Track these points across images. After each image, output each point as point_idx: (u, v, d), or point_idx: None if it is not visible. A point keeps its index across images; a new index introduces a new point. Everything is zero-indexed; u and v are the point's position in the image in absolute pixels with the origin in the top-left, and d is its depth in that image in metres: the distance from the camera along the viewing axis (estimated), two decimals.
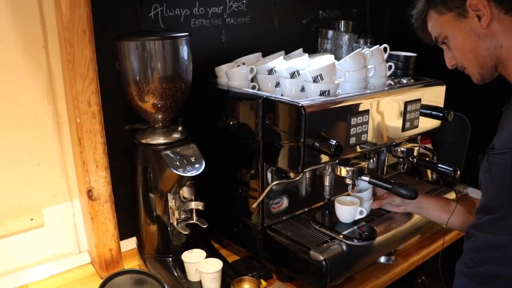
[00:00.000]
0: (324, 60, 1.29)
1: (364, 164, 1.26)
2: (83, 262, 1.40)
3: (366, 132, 1.23)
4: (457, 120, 1.74)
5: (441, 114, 1.42)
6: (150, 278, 1.18)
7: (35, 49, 1.21)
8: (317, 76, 1.19)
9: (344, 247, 1.19)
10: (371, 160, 1.43)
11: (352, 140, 1.20)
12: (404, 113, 1.36)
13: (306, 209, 1.38)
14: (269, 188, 1.21)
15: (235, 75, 1.34)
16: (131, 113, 1.28)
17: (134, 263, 1.39)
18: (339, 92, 1.24)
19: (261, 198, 1.22)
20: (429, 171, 1.70)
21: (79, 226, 1.40)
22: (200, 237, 1.38)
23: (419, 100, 1.39)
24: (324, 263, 1.13)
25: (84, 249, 1.43)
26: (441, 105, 1.48)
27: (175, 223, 1.25)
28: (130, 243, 1.44)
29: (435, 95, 1.46)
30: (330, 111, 1.14)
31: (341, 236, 1.21)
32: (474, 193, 1.76)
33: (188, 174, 1.17)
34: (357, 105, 1.19)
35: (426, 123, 1.46)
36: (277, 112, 1.14)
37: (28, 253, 1.32)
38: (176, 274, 1.27)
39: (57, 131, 1.30)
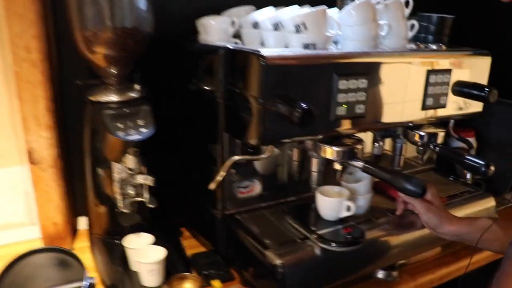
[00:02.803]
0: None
1: (359, 146, 0.95)
2: (35, 235, 1.23)
3: (364, 102, 0.93)
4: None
5: (480, 93, 1.07)
6: (75, 261, 0.97)
7: None
8: (300, 25, 0.91)
9: (317, 252, 0.91)
10: (376, 144, 1.11)
11: (341, 111, 0.90)
12: (425, 86, 1.03)
13: (288, 199, 1.10)
14: (228, 164, 0.95)
15: (212, 28, 1.10)
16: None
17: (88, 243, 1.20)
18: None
19: (219, 176, 0.97)
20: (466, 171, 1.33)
21: (31, 194, 1.23)
22: (160, 221, 1.16)
23: (449, 71, 1.05)
24: (280, 269, 0.85)
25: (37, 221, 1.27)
26: (484, 81, 1.13)
27: (120, 199, 1.04)
28: None
29: (475, 69, 1.12)
30: (306, 67, 0.86)
31: (314, 237, 0.92)
32: None
33: (129, 138, 0.96)
34: (349, 65, 0.90)
35: (460, 105, 1.11)
36: (238, 66, 0.89)
37: None
38: (119, 261, 1.06)
39: (7, 85, 1.13)
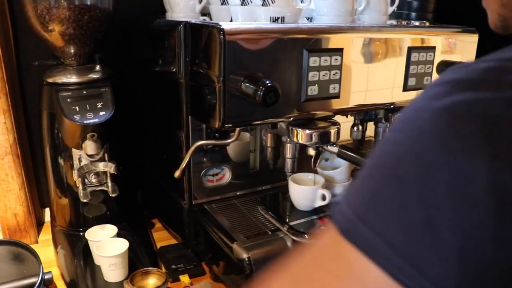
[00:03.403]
0: None
1: (333, 129, 0.88)
2: None
3: (339, 81, 0.86)
4: None
5: None
6: (30, 254, 0.91)
7: None
8: None
9: (289, 244, 0.84)
10: (355, 128, 1.04)
11: (313, 90, 0.83)
12: (407, 65, 0.96)
13: (261, 188, 1.04)
14: (191, 150, 0.88)
15: (178, 5, 1.02)
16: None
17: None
18: None
19: (183, 164, 0.90)
20: None
21: None
22: (130, 212, 1.10)
23: (433, 48, 0.98)
24: (247, 263, 0.79)
25: None
26: (471, 60, 1.05)
27: (80, 188, 0.97)
28: None
29: (462, 47, 1.04)
30: (272, 42, 0.78)
31: (286, 228, 0.85)
32: None
33: (86, 122, 0.89)
34: (321, 40, 0.83)
35: None
36: (199, 42, 0.81)
37: None
38: (80, 255, 0.99)
39: None
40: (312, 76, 0.82)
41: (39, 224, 1.18)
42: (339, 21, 0.92)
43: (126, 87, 1.02)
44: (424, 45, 0.97)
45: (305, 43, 0.81)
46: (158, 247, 1.07)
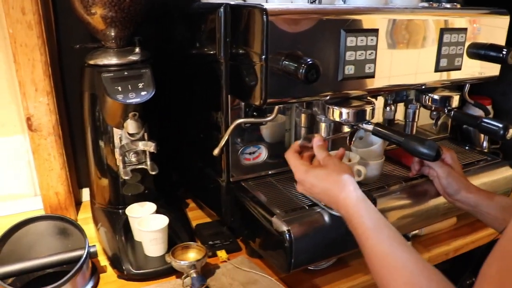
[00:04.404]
0: None
1: (368, 106, 0.91)
2: (39, 206, 1.21)
3: (374, 61, 0.88)
4: None
5: (498, 54, 1.00)
6: (75, 229, 0.95)
7: None
8: None
9: (326, 218, 0.87)
10: (388, 108, 1.06)
11: (349, 70, 0.85)
12: (439, 46, 0.97)
13: None
14: (231, 128, 0.91)
15: None
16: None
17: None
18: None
19: (223, 142, 0.93)
20: (482, 137, 1.27)
21: (33, 164, 1.21)
22: (165, 191, 1.14)
23: (464, 30, 0.99)
24: (287, 235, 0.81)
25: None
26: (502, 42, 1.07)
27: (120, 166, 1.01)
28: None
29: (492, 28, 1.05)
30: (311, 22, 0.80)
31: (323, 203, 0.88)
32: None
33: (129, 101, 0.92)
34: (358, 21, 0.85)
35: (476, 68, 1.05)
36: (240, 23, 0.84)
37: None
38: (121, 231, 1.03)
39: (4, 49, 1.10)
40: (349, 55, 0.84)
41: (77, 203, 1.23)
42: (373, 3, 0.93)
43: (163, 69, 1.05)
44: (456, 26, 0.98)
45: (343, 24, 0.83)
46: (194, 225, 1.11)
